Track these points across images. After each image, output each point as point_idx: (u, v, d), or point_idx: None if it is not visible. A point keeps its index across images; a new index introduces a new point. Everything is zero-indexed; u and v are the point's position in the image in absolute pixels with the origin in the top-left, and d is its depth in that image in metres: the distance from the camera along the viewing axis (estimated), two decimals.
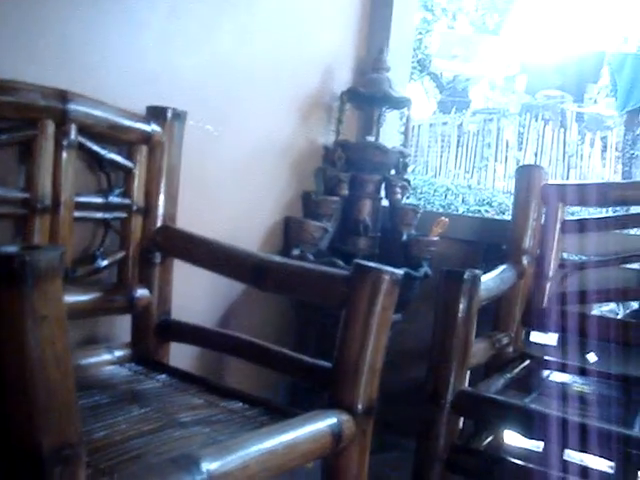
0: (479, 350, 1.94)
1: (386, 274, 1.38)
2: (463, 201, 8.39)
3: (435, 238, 2.42)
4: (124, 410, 1.41)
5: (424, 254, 2.41)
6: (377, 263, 2.23)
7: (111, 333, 1.82)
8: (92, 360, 1.68)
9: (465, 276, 1.70)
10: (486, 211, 7.79)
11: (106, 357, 1.72)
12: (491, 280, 1.98)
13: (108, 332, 1.82)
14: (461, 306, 1.69)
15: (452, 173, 10.24)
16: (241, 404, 1.52)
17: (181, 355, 1.88)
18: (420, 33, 10.55)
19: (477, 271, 1.76)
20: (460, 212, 7.76)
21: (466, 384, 1.80)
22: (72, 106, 1.53)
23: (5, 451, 0.85)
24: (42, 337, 0.80)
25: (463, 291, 1.69)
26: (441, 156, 10.55)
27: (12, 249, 0.81)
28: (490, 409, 1.72)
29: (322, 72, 2.52)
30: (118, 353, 1.74)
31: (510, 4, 12.51)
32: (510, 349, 2.23)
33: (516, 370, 2.14)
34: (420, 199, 8.01)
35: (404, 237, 2.47)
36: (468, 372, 1.85)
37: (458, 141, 10.45)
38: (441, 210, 7.63)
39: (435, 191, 8.45)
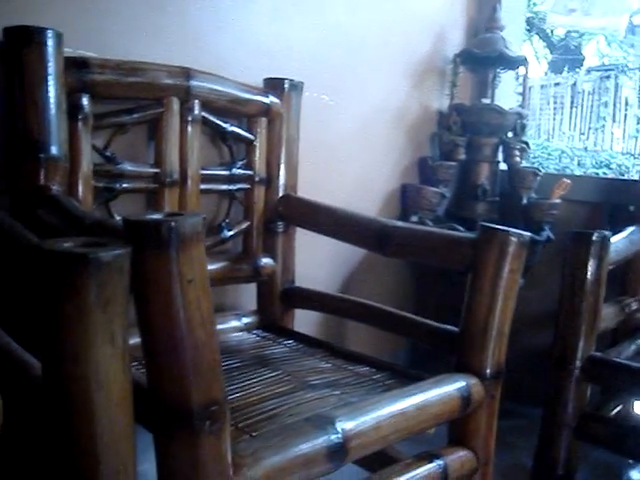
0: (608, 315, 1.87)
1: (513, 236, 1.35)
2: (579, 164, 8.03)
3: (557, 201, 2.35)
4: (256, 373, 1.46)
5: (545, 218, 2.34)
6: None
7: (238, 301, 1.89)
8: (221, 327, 1.74)
9: (594, 237, 1.65)
10: (604, 174, 7.43)
11: (234, 324, 1.78)
12: (620, 242, 1.89)
13: (235, 300, 1.88)
14: (590, 268, 1.64)
15: (566, 135, 9.81)
16: (368, 368, 1.54)
17: (305, 321, 1.93)
18: None
19: (606, 232, 1.69)
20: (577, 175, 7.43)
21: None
22: (195, 82, 1.58)
23: (157, 408, 0.90)
24: (188, 299, 0.84)
25: (592, 253, 1.64)
26: (554, 118, 10.11)
27: (157, 216, 0.85)
28: (622, 375, 1.67)
29: (434, 35, 2.47)
30: (245, 320, 1.80)
31: None
32: None
33: None
34: (534, 163, 7.73)
35: (524, 201, 2.40)
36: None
37: (572, 102, 9.97)
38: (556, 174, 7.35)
39: (549, 155, 8.12)
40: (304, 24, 1.98)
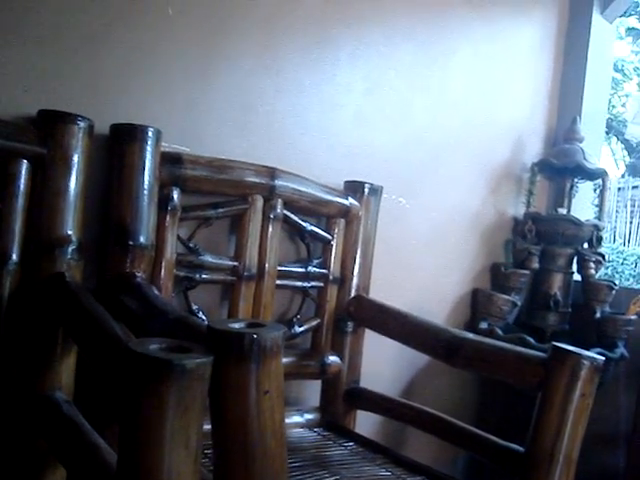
0: None
1: (586, 359, 1.33)
2: None
3: (633, 317, 2.29)
4: (315, 476, 1.46)
5: (620, 334, 2.28)
6: (568, 340, 2.18)
7: (302, 397, 1.90)
8: (284, 413, 1.74)
9: None
10: None
11: (297, 419, 1.79)
12: None
13: (299, 396, 1.89)
14: None
15: None
16: None
17: (366, 421, 1.91)
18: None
19: None
20: None
21: None
22: (279, 182, 1.65)
23: None
24: (263, 409, 0.87)
25: None
26: (631, 222, 9.90)
27: (240, 325, 0.88)
28: None
29: (512, 143, 2.51)
30: (308, 416, 1.81)
31: None
32: None
33: None
34: (608, 268, 7.55)
35: (597, 314, 2.35)
36: None
37: None
38: (631, 280, 7.15)
39: (624, 260, 7.93)
40: (386, 128, 2.05)
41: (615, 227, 10.02)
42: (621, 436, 1.82)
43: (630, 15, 9.14)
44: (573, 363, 1.33)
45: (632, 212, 9.96)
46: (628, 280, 7.24)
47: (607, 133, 10.88)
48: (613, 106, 10.71)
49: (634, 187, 10.30)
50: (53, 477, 1.31)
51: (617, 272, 7.57)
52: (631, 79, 10.39)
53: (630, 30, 9.67)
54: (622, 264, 7.89)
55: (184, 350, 0.85)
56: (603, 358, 1.37)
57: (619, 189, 10.42)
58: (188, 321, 1.09)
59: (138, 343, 0.86)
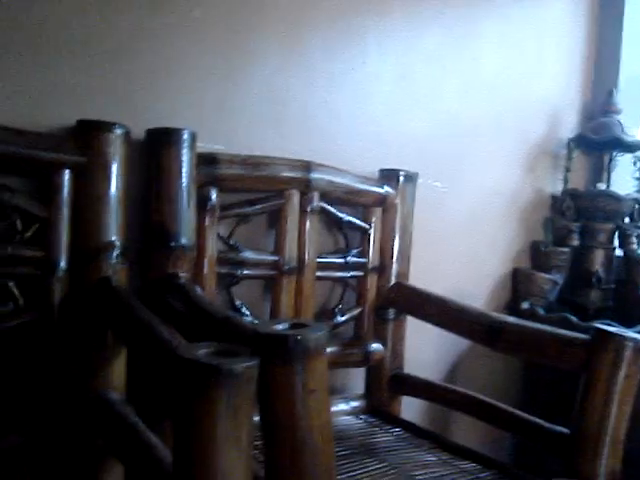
0: None
1: (629, 341, 1.33)
2: None
3: None
4: (362, 464, 1.49)
5: None
6: (612, 317, 2.17)
7: (347, 384, 1.92)
8: (330, 410, 1.78)
9: None
10: None
11: (342, 407, 1.82)
12: None
13: (344, 383, 1.92)
14: None
15: None
16: (474, 464, 1.53)
17: (411, 407, 1.93)
18: None
19: None
20: None
21: None
22: (315, 175, 1.66)
23: None
24: (310, 408, 0.89)
25: None
26: None
27: (284, 326, 0.91)
28: None
29: (547, 119, 2.48)
30: (353, 404, 1.84)
31: None
32: None
33: None
34: None
35: None
36: None
37: None
38: None
39: None
40: (418, 114, 2.05)
41: None
42: None
43: None
44: (616, 345, 1.33)
45: None
46: None
47: None
48: None
49: None
50: (111, 474, 1.36)
51: None
52: None
53: None
54: None
55: (231, 354, 0.87)
56: None
57: None
58: (234, 321, 1.12)
59: (187, 348, 0.89)
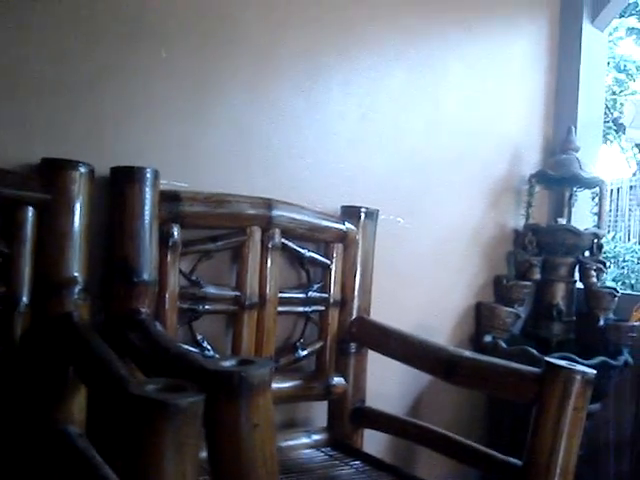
0: None
1: (578, 374, 1.38)
2: None
3: (636, 323, 2.32)
4: None
5: (624, 340, 2.31)
6: (573, 349, 2.22)
7: (309, 418, 1.95)
8: (291, 443, 1.81)
9: None
10: None
11: (304, 440, 1.84)
12: None
13: (306, 417, 1.94)
14: None
15: None
16: None
17: (374, 440, 1.95)
18: (614, 93, 10.13)
19: None
20: None
21: None
22: (276, 212, 1.71)
23: None
24: (254, 441, 0.92)
25: None
26: None
27: (229, 364, 0.94)
28: None
29: (509, 156, 2.55)
30: (315, 437, 1.86)
31: None
32: None
33: None
34: (623, 267, 7.52)
35: (601, 322, 2.38)
36: None
37: None
38: None
39: (639, 259, 7.89)
40: (381, 152, 2.11)
41: (629, 226, 9.99)
42: (627, 442, 1.84)
43: (630, 15, 9.15)
44: (565, 378, 1.38)
45: None
46: None
47: (616, 132, 10.86)
48: (621, 104, 10.69)
49: None
50: None
51: (633, 272, 7.56)
52: (635, 79, 10.37)
53: (631, 30, 9.67)
54: (638, 263, 7.86)
55: (180, 389, 0.90)
56: (594, 372, 1.41)
57: (631, 187, 10.38)
58: (185, 357, 1.15)
59: (136, 385, 0.92)
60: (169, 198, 1.56)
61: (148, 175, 1.50)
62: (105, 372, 1.09)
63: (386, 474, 1.68)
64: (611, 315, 2.41)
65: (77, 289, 1.41)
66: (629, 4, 7.72)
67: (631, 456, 1.71)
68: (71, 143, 1.51)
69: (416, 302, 2.22)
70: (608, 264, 2.58)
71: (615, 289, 2.45)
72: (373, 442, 1.94)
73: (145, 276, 1.48)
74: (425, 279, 2.26)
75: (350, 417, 1.86)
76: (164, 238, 1.55)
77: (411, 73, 2.20)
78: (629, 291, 6.32)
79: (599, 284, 2.45)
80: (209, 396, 0.89)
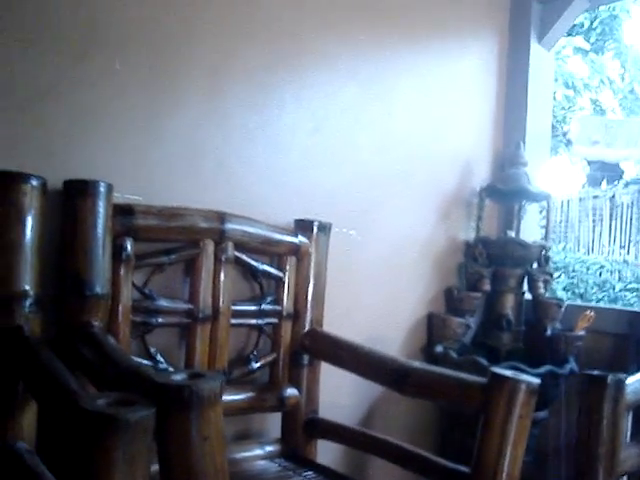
0: (631, 455, 1.86)
1: (522, 384, 1.42)
2: (619, 278, 7.98)
3: (581, 333, 2.39)
4: None
5: (570, 349, 2.38)
6: (522, 358, 2.27)
7: (262, 429, 1.96)
8: (245, 454, 1.82)
9: (608, 381, 1.67)
10: None
11: (258, 452, 1.85)
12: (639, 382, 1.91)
13: (260, 428, 1.95)
14: (605, 412, 1.66)
15: (606, 249, 9.78)
16: None
17: (327, 451, 1.97)
18: (563, 109, 10.41)
19: (621, 375, 1.73)
20: (617, 289, 7.37)
21: None
22: (229, 226, 1.72)
23: None
24: (204, 453, 0.93)
25: (606, 397, 1.66)
26: (593, 231, 10.13)
27: (180, 378, 0.95)
28: None
29: (459, 170, 2.61)
30: (269, 448, 1.87)
31: None
32: None
33: None
34: (573, 277, 7.72)
35: (548, 332, 2.45)
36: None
37: (611, 215, 9.99)
38: (596, 288, 7.32)
39: (588, 268, 8.11)
40: (334, 165, 2.14)
41: (578, 236, 10.25)
42: (573, 447, 1.89)
43: (578, 34, 9.45)
44: (510, 387, 1.42)
45: (594, 221, 10.19)
46: (592, 289, 7.42)
47: (566, 145, 11.14)
48: (570, 119, 10.98)
49: (594, 197, 10.54)
50: None
51: (582, 281, 7.76)
52: (582, 96, 10.67)
53: (577, 49, 9.98)
54: (587, 272, 8.07)
55: (130, 403, 0.91)
56: (538, 381, 1.46)
57: (580, 199, 10.67)
58: (137, 371, 1.16)
59: (87, 399, 0.92)
60: (122, 211, 1.56)
61: (101, 189, 1.50)
62: (55, 386, 1.09)
63: None
64: (558, 325, 2.47)
65: (28, 303, 1.40)
66: (575, 25, 7.97)
67: (576, 461, 1.75)
68: (23, 157, 1.51)
69: (369, 314, 2.26)
70: (558, 274, 2.65)
71: (561, 300, 2.53)
72: (327, 453, 1.96)
73: (98, 289, 1.48)
74: (377, 291, 2.29)
75: (303, 428, 1.88)
76: (117, 251, 1.55)
77: (363, 88, 2.24)
78: (578, 300, 6.50)
79: (546, 295, 2.52)
80: (160, 410, 0.90)
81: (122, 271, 1.56)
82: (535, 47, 2.79)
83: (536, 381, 1.44)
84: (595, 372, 1.73)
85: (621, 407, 1.71)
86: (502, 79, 2.76)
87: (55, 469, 1.26)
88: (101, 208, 1.50)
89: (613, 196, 10.30)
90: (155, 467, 0.98)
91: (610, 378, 1.69)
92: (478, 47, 2.69)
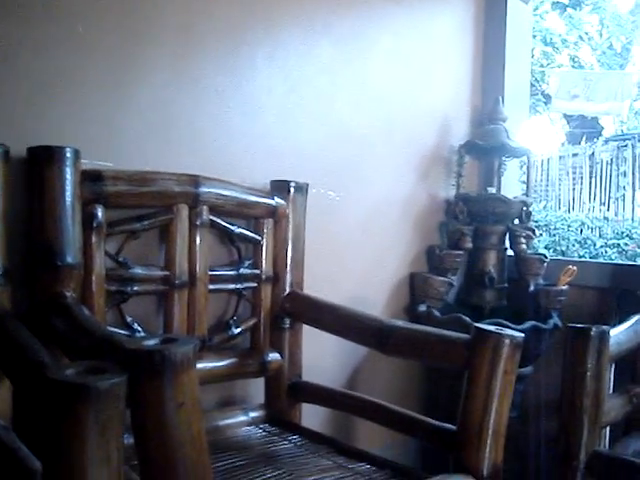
0: (614, 407, 1.87)
1: (506, 338, 1.40)
2: (600, 235, 8.03)
3: (564, 287, 2.38)
4: (259, 472, 1.51)
5: (553, 304, 2.38)
6: (505, 315, 2.26)
7: (246, 395, 1.93)
8: (229, 421, 1.80)
9: (592, 333, 1.67)
10: (625, 244, 7.40)
11: (242, 418, 1.83)
12: (623, 333, 1.90)
13: (243, 394, 1.93)
14: (589, 364, 1.65)
15: (586, 206, 9.83)
16: (369, 466, 1.57)
17: (312, 414, 1.96)
18: (542, 66, 10.36)
19: (605, 327, 1.72)
20: (598, 246, 7.42)
21: (604, 444, 1.74)
22: (203, 189, 1.67)
23: None
24: (180, 421, 0.90)
25: (590, 349, 1.66)
26: (573, 189, 10.15)
27: (152, 343, 0.92)
28: (628, 473, 1.66)
29: (438, 127, 2.57)
30: (253, 414, 1.85)
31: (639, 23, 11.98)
32: None
33: None
34: (554, 235, 7.75)
35: (531, 287, 2.43)
36: (607, 430, 1.79)
37: (591, 172, 10.02)
38: (577, 246, 7.36)
39: (569, 226, 8.14)
40: (310, 125, 2.09)
41: (559, 195, 10.28)
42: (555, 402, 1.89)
43: None
44: (494, 343, 1.40)
45: (574, 179, 10.21)
46: (574, 246, 7.46)
47: (545, 104, 11.11)
48: (549, 76, 10.94)
49: (574, 155, 10.55)
50: None
51: (563, 239, 7.79)
52: (561, 52, 10.62)
53: (555, 4, 9.90)
54: (568, 230, 8.11)
55: (101, 371, 0.87)
56: (522, 335, 1.44)
57: (560, 157, 10.67)
58: (112, 340, 1.12)
59: (55, 369, 0.88)
60: (91, 178, 1.50)
61: (68, 155, 1.44)
62: (24, 359, 1.06)
63: (325, 447, 1.68)
64: (541, 280, 2.46)
65: None
66: None
67: (558, 424, 1.75)
68: None
69: (350, 275, 2.23)
70: (540, 232, 2.63)
71: (544, 255, 2.51)
72: (311, 416, 1.94)
73: (69, 259, 1.44)
74: (358, 252, 2.27)
75: (287, 392, 1.86)
76: (87, 219, 1.49)
77: (338, 45, 2.18)
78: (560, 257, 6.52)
79: (529, 251, 2.51)
80: (131, 376, 0.87)
81: (94, 239, 1.51)
82: (513, 1, 2.74)
83: (520, 335, 1.42)
84: (579, 325, 1.72)
85: (605, 359, 1.71)
86: (479, 34, 2.72)
87: (32, 445, 1.23)
88: (68, 175, 1.44)
89: (592, 153, 10.32)
90: (131, 440, 0.95)
91: (594, 330, 1.68)
92: (455, 1, 2.63)
